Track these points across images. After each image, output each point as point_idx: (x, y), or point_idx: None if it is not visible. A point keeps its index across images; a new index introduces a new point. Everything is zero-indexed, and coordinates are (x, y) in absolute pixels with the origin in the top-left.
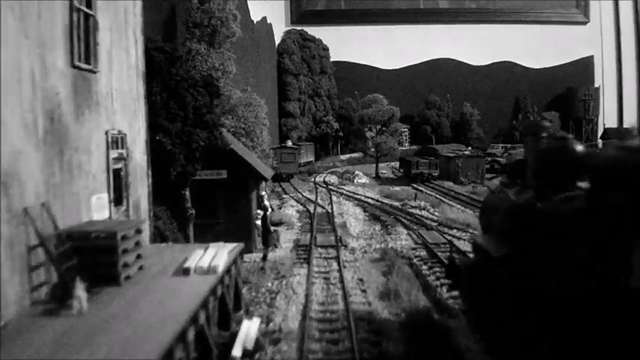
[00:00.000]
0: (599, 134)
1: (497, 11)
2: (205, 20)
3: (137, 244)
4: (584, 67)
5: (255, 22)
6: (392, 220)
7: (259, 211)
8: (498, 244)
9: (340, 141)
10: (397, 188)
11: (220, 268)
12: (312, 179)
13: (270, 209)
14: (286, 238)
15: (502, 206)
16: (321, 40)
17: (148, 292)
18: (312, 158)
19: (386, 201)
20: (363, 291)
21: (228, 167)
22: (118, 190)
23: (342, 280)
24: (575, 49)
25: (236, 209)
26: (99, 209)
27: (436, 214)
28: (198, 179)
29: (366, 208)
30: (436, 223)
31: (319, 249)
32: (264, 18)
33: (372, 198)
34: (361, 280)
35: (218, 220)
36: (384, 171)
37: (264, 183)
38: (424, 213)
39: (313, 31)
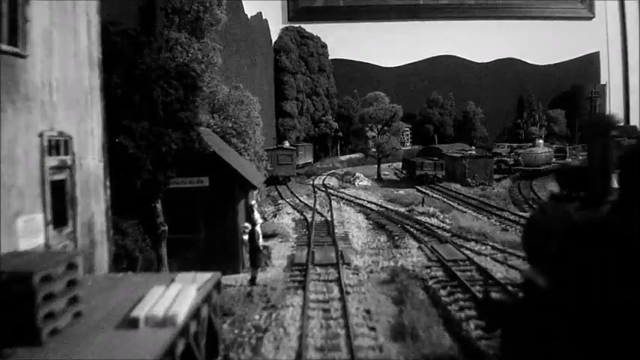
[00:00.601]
0: None
1: (500, 7)
2: (186, 6)
3: (71, 283)
4: (589, 63)
5: (249, 17)
6: (399, 230)
7: (247, 225)
8: (561, 283)
9: (340, 141)
10: (402, 192)
11: (180, 318)
12: (311, 182)
13: (260, 221)
14: (280, 253)
15: (561, 228)
16: (319, 38)
17: (77, 354)
18: (310, 159)
19: (390, 206)
20: (372, 329)
21: (211, 174)
22: (61, 208)
23: (345, 315)
24: (580, 45)
25: (220, 223)
26: (28, 235)
27: (447, 221)
28: (175, 188)
29: (369, 214)
30: (449, 234)
31: (317, 268)
32: (259, 13)
33: (375, 203)
34: (368, 312)
35: (199, 235)
36: (386, 172)
37: (254, 191)
38: (434, 221)
39: (311, 28)
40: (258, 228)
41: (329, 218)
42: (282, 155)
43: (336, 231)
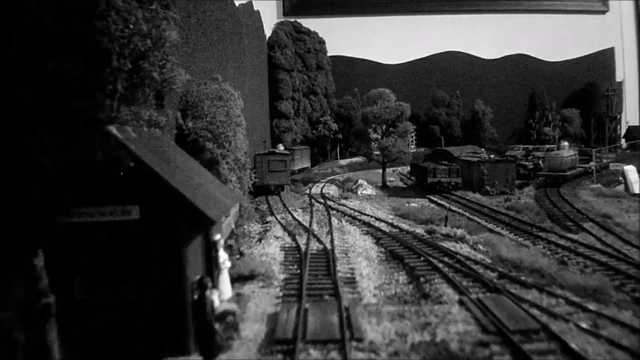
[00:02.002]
0: (622, 133)
1: None
2: None
3: None
4: (603, 59)
5: (237, 4)
6: (424, 266)
7: (204, 281)
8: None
9: (339, 144)
10: (414, 204)
11: None
12: (308, 190)
13: (227, 266)
14: (258, 310)
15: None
16: (316, 33)
17: None
18: (307, 164)
19: (404, 225)
20: None
21: (143, 201)
22: None
23: None
24: (594, 40)
25: (155, 277)
26: None
27: (480, 247)
28: (83, 224)
29: (379, 238)
30: (494, 272)
31: (311, 350)
32: (250, 3)
33: (384, 221)
34: None
35: (120, 297)
36: (391, 179)
37: (228, 217)
38: (465, 248)
39: (308, 23)
40: (215, 296)
41: (328, 245)
42: (274, 161)
43: (338, 268)
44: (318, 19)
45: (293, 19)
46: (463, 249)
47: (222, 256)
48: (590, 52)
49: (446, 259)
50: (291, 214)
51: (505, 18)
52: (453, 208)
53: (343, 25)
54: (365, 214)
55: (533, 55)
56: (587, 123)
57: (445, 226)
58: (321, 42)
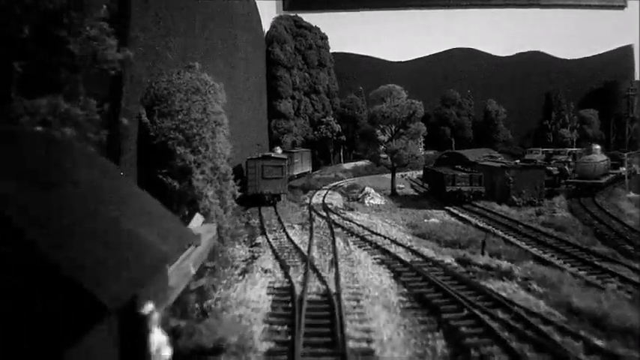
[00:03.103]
0: None
1: None
2: None
3: None
4: (622, 57)
5: None
6: (470, 325)
7: None
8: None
9: (343, 146)
10: (434, 219)
11: None
12: (308, 199)
13: (164, 358)
14: None
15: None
16: (318, 29)
17: None
18: (308, 168)
19: (427, 250)
20: None
21: None
22: None
23: None
24: (612, 36)
25: None
26: None
27: (534, 286)
28: None
29: (399, 272)
30: (579, 342)
31: None
32: None
33: (401, 244)
34: None
35: None
36: (400, 185)
37: (198, 247)
38: (514, 288)
39: (309, 17)
40: None
41: (332, 286)
42: (269, 167)
43: (348, 330)
44: (320, 13)
45: (293, 14)
46: (514, 290)
47: (157, 340)
48: (608, 50)
49: (499, 312)
50: (287, 234)
51: (518, 13)
52: (480, 223)
53: (347, 21)
54: (376, 234)
55: (547, 53)
56: (605, 124)
57: (482, 254)
58: (323, 38)
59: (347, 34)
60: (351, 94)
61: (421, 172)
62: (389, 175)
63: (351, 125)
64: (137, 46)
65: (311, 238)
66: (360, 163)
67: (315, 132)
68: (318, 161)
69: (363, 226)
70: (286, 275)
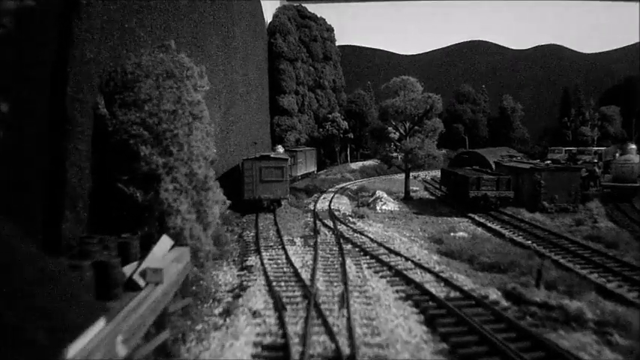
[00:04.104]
0: None
1: None
2: None
3: None
4: None
5: None
6: None
7: None
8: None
9: (350, 145)
10: (462, 232)
11: None
12: (312, 204)
13: None
14: None
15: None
16: (324, 20)
17: None
18: (313, 168)
19: (462, 277)
20: None
21: None
22: None
23: None
24: (634, 30)
25: None
26: None
27: (616, 338)
28: None
29: (433, 316)
30: None
31: None
32: None
33: (428, 269)
34: None
35: None
36: (414, 188)
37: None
38: (591, 342)
39: (314, 8)
40: None
41: (345, 345)
42: (268, 168)
43: None
44: (326, 3)
45: (297, 4)
46: (590, 344)
47: None
48: (630, 43)
49: None
50: (286, 252)
51: (536, 4)
52: (516, 237)
53: (354, 11)
54: (395, 252)
55: (566, 46)
56: (628, 122)
57: (537, 286)
58: (329, 29)
59: (354, 25)
60: (358, 89)
61: (434, 173)
62: (400, 177)
63: (359, 122)
64: (93, 18)
65: (315, 259)
66: (368, 162)
67: (321, 129)
68: (324, 161)
69: (377, 242)
70: (281, 322)
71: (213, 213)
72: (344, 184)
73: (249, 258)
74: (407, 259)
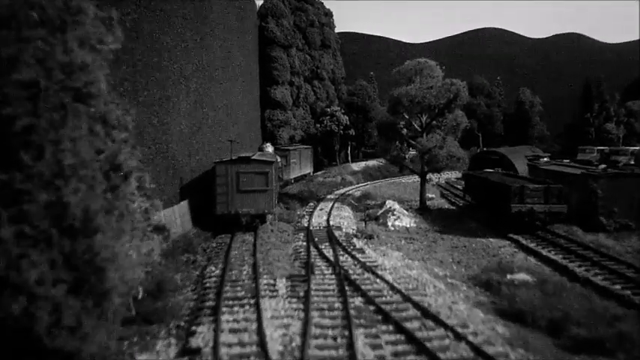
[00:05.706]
0: None
1: None
2: None
3: None
4: None
5: None
6: None
7: None
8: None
9: (351, 142)
10: (524, 275)
11: None
12: (306, 217)
13: None
14: None
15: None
16: (321, 3)
17: None
18: (308, 170)
19: None
20: None
21: None
22: None
23: None
24: None
25: None
26: None
27: None
28: None
29: None
30: None
31: None
32: None
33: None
34: None
35: None
36: (429, 195)
37: None
38: None
39: None
40: None
41: None
42: (248, 174)
43: None
44: None
45: None
46: None
47: None
48: None
49: None
50: (259, 315)
51: None
52: (599, 280)
53: None
54: (430, 316)
55: (587, 35)
56: None
57: None
58: (328, 14)
59: (355, 10)
60: (360, 80)
61: (448, 174)
62: (409, 179)
63: (361, 117)
64: None
65: (305, 335)
66: (371, 162)
67: (318, 125)
68: (321, 160)
69: (401, 292)
70: None
71: (123, 279)
72: (345, 189)
73: (199, 329)
74: (458, 336)
